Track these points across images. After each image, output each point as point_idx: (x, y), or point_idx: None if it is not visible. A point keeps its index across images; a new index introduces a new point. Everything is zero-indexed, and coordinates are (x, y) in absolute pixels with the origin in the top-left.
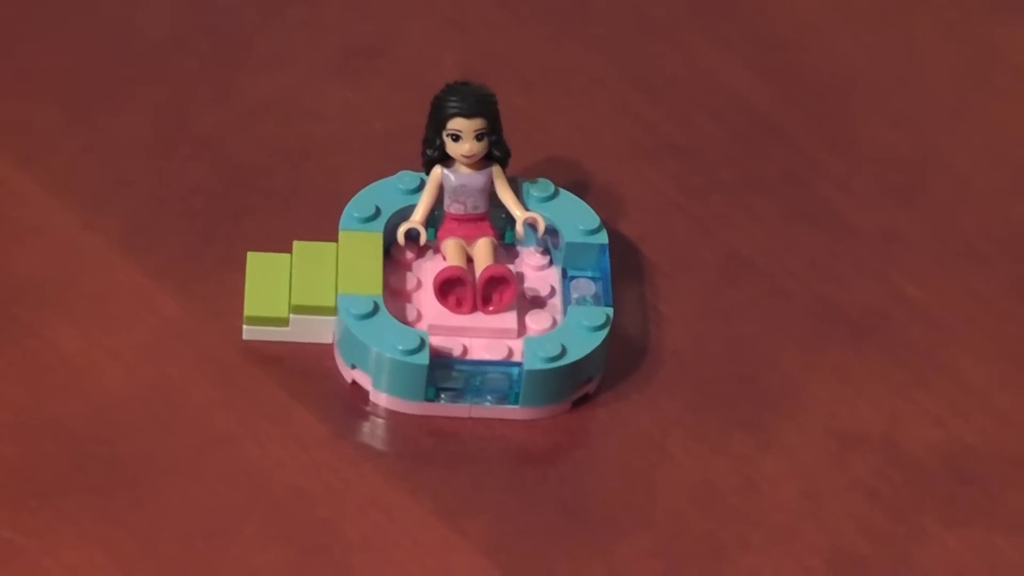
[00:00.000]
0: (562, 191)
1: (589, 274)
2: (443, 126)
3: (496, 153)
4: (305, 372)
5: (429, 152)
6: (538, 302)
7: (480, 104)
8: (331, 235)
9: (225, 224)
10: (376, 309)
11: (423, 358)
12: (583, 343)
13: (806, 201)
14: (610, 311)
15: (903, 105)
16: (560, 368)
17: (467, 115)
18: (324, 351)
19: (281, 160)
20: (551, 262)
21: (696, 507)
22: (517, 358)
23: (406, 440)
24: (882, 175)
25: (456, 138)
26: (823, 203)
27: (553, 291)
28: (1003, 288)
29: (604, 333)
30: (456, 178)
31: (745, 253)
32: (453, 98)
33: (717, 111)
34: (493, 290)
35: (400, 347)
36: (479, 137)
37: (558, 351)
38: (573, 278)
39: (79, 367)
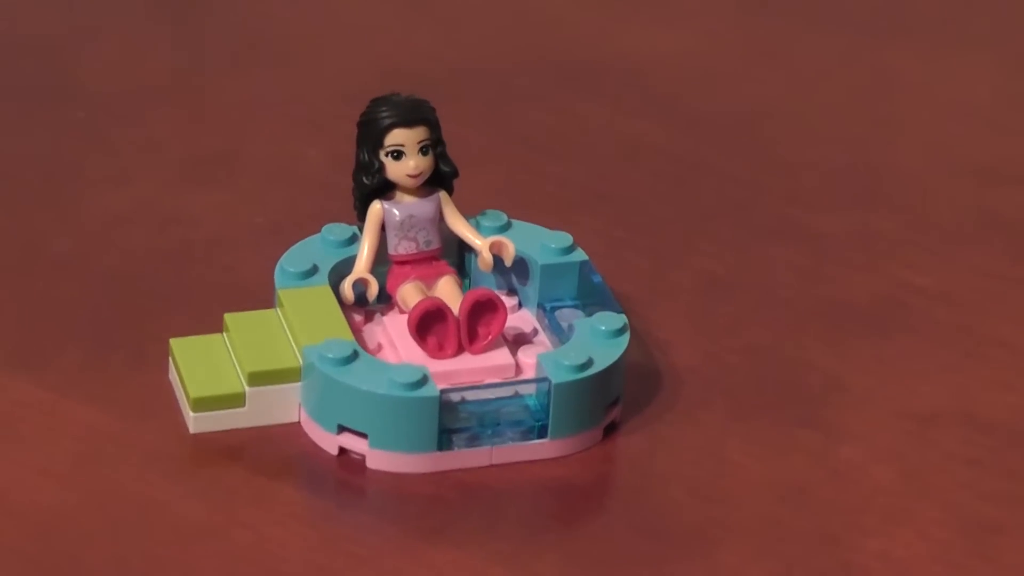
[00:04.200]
0: (515, 221)
1: (570, 302)
2: (380, 144)
3: (444, 169)
4: (277, 455)
5: (366, 180)
6: (524, 341)
7: (419, 110)
8: None
9: (120, 330)
10: (356, 353)
11: (432, 390)
12: (607, 350)
13: (764, 219)
14: (625, 317)
15: (822, 126)
16: (590, 381)
17: (407, 124)
18: (291, 431)
19: (161, 264)
20: (520, 304)
21: (789, 506)
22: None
23: (428, 499)
24: (832, 186)
25: (398, 155)
26: (783, 219)
27: (536, 330)
28: (1010, 262)
29: (626, 338)
30: (401, 210)
31: (721, 274)
32: (385, 108)
33: (628, 159)
34: (477, 323)
35: (401, 381)
36: (424, 150)
37: (584, 359)
38: (555, 309)
39: (2, 487)
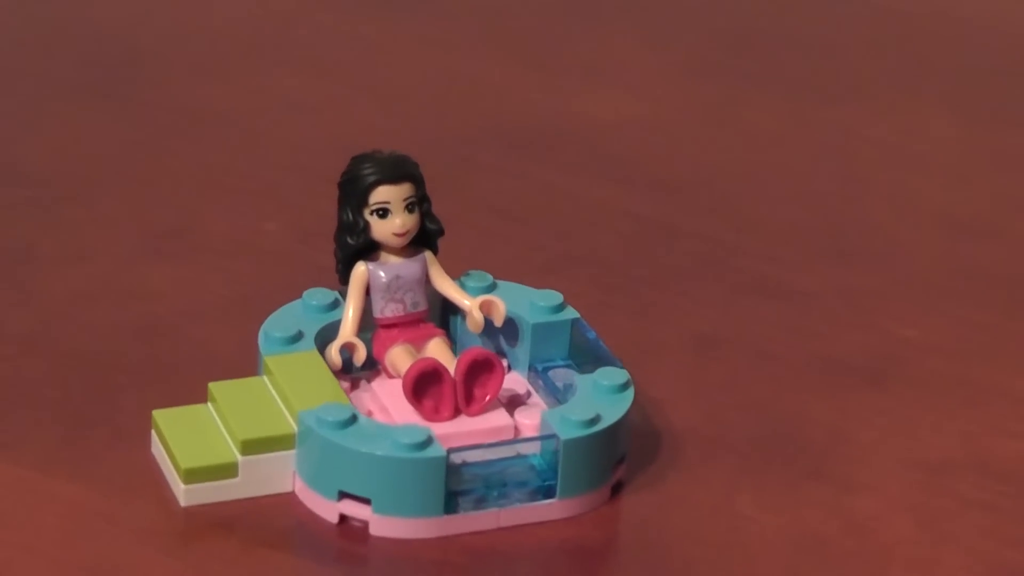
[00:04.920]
0: (501, 282)
1: (562, 362)
2: (364, 202)
3: (430, 226)
4: (273, 526)
5: (351, 240)
6: (518, 403)
7: (403, 166)
8: None
9: (94, 406)
10: (355, 416)
11: (438, 450)
12: (613, 405)
13: (742, 278)
14: (627, 372)
15: (785, 185)
16: (599, 437)
17: (392, 180)
18: (285, 501)
19: (128, 339)
20: (509, 367)
21: (810, 559)
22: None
23: (436, 565)
24: (804, 243)
25: (384, 213)
26: (760, 277)
27: (529, 392)
28: (994, 312)
29: (631, 393)
30: (387, 271)
31: (708, 332)
32: (369, 166)
33: (595, 223)
34: (473, 384)
35: (405, 442)
36: (410, 207)
37: (592, 414)
38: (547, 369)
39: None
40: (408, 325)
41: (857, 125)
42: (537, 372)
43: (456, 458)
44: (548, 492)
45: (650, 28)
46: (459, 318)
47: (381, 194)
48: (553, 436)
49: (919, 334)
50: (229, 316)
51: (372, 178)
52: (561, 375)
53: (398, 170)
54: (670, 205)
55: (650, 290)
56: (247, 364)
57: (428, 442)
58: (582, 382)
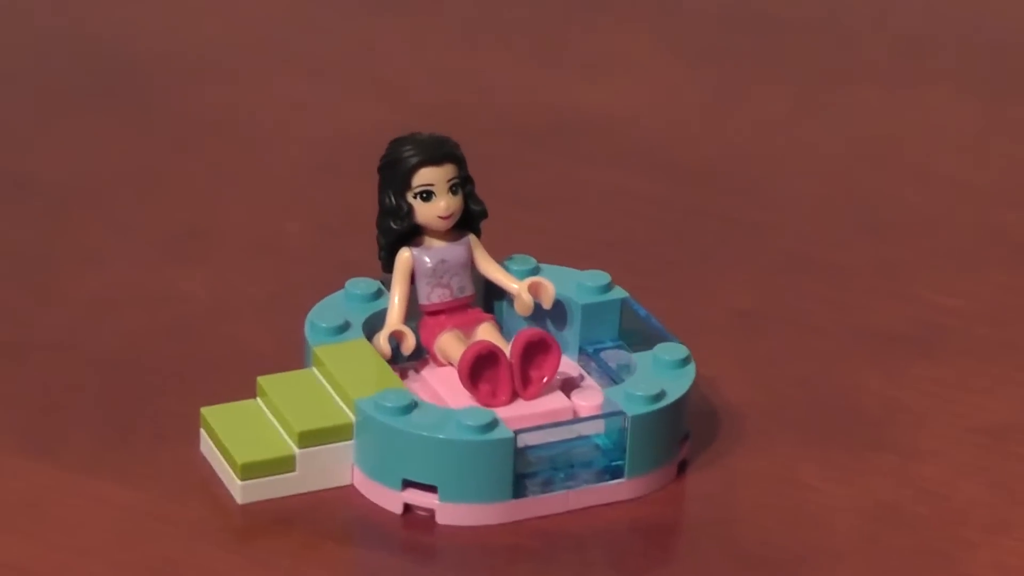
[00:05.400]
0: (544, 265)
1: (611, 343)
2: (407, 185)
3: (474, 208)
4: (334, 520)
5: (395, 224)
6: (572, 386)
7: (445, 146)
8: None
9: (132, 408)
10: (415, 402)
11: (505, 432)
12: (676, 381)
13: (776, 256)
14: (686, 347)
15: (804, 165)
16: (665, 412)
17: (435, 161)
18: (344, 494)
19: (159, 341)
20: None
21: (885, 525)
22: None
23: (509, 550)
24: (832, 219)
25: (427, 196)
26: (794, 254)
27: (581, 375)
28: None
29: (693, 367)
30: (432, 256)
31: (749, 309)
32: (409, 147)
33: (622, 209)
34: (529, 365)
35: (472, 425)
36: (453, 189)
37: (657, 390)
38: (599, 351)
39: (44, 572)
40: (455, 311)
41: (868, 103)
42: (588, 354)
43: (522, 440)
44: (615, 472)
45: (653, 17)
46: (505, 303)
47: (424, 176)
48: (620, 413)
49: (961, 302)
50: (258, 314)
51: (414, 160)
52: (613, 356)
53: (440, 150)
54: (692, 189)
55: (686, 272)
56: (282, 360)
57: (494, 424)
58: (641, 359)
